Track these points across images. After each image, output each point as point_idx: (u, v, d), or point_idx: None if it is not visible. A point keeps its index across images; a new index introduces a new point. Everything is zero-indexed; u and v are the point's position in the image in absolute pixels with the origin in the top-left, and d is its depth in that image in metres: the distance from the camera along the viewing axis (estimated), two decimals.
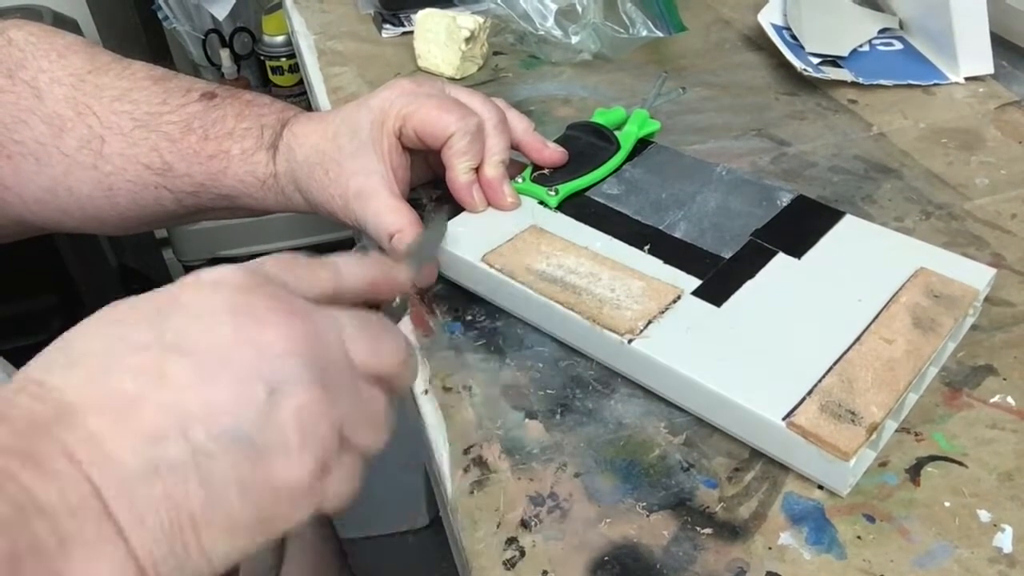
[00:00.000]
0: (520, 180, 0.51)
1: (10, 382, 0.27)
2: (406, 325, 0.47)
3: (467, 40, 0.68)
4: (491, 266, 0.46)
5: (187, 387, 0.26)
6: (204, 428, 0.26)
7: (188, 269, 1.39)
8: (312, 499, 0.28)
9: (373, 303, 0.36)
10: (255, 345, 0.27)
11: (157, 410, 0.26)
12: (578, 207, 0.50)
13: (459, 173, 0.49)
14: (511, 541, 0.36)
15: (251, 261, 0.31)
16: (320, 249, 1.44)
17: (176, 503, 0.26)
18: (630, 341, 0.41)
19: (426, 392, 0.43)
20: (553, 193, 0.50)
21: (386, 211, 0.48)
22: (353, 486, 0.30)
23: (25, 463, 0.24)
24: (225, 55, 1.32)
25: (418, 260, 0.42)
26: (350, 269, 0.34)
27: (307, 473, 0.28)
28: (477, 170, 0.49)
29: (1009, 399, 0.41)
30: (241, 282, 0.29)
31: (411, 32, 0.72)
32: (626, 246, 0.47)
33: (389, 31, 0.77)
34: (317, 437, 0.28)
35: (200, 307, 0.28)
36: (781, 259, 0.46)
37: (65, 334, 0.28)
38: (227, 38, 1.33)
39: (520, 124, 0.52)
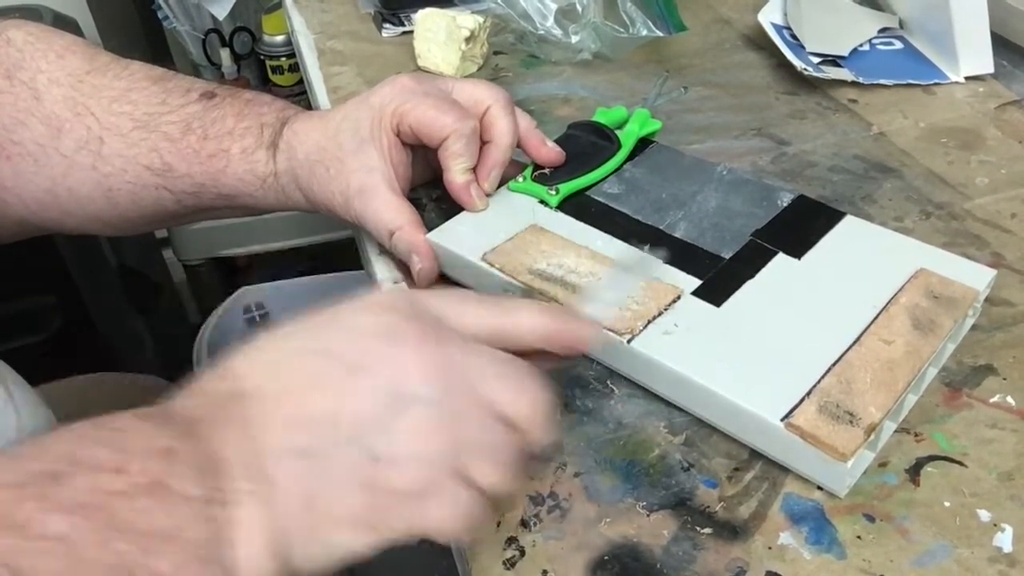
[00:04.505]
0: (520, 179, 0.51)
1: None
2: None
3: (467, 40, 0.68)
4: (491, 265, 0.46)
5: (327, 389, 0.31)
6: (332, 427, 0.30)
7: (188, 269, 1.39)
8: (414, 512, 0.30)
9: (552, 356, 0.35)
10: (392, 363, 0.31)
11: (299, 404, 0.31)
12: (578, 206, 0.50)
13: (456, 174, 0.49)
14: (511, 541, 0.36)
15: (423, 293, 0.34)
16: (319, 248, 1.44)
17: (301, 486, 0.30)
18: (629, 341, 0.41)
19: None
20: (553, 192, 0.50)
21: (386, 208, 0.48)
22: (461, 518, 0.31)
23: (212, 427, 0.30)
24: (225, 55, 1.32)
25: (602, 306, 0.39)
26: (521, 315, 0.34)
27: (411, 483, 0.30)
28: (475, 169, 0.49)
29: (1009, 399, 0.41)
30: (400, 307, 0.32)
31: (411, 32, 0.72)
32: (626, 246, 0.47)
33: (389, 30, 0.77)
34: (426, 453, 0.30)
35: (356, 323, 0.32)
36: (781, 259, 0.46)
37: (260, 336, 0.34)
38: (227, 38, 1.33)
39: (522, 120, 0.51)
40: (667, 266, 0.45)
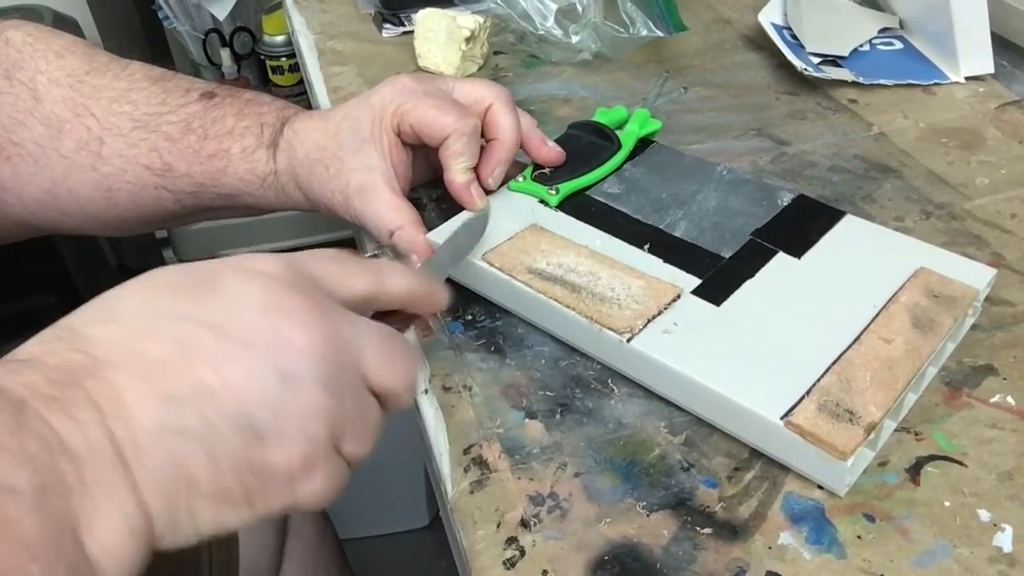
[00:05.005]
0: (521, 179, 0.51)
1: (50, 329, 0.29)
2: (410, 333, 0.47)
3: (467, 40, 0.68)
4: (491, 265, 0.46)
5: (208, 363, 0.28)
6: (216, 404, 0.28)
7: None
8: (292, 489, 0.30)
9: (407, 315, 0.38)
10: (278, 337, 0.29)
11: (177, 378, 0.28)
12: (578, 206, 0.50)
13: (457, 173, 0.49)
14: (511, 541, 0.36)
15: (296, 253, 0.33)
16: (319, 248, 1.44)
17: (179, 466, 0.28)
18: (629, 340, 0.41)
19: (426, 392, 0.43)
20: (554, 192, 0.50)
21: (386, 208, 0.48)
22: (332, 491, 0.31)
23: (55, 408, 0.27)
24: (225, 55, 1.32)
25: (439, 268, 0.42)
26: (393, 279, 0.35)
27: (293, 463, 0.29)
28: (476, 168, 0.49)
29: (1009, 399, 0.41)
30: (280, 274, 0.31)
31: (411, 32, 0.72)
32: (626, 245, 0.47)
33: (389, 31, 0.77)
34: (311, 433, 0.30)
35: (237, 292, 0.30)
36: (781, 259, 0.46)
37: (109, 291, 0.30)
38: (227, 38, 1.33)
39: (523, 120, 0.52)
40: (667, 265, 0.46)
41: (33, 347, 0.28)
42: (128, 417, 0.27)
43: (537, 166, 0.52)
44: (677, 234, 0.48)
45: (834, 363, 0.39)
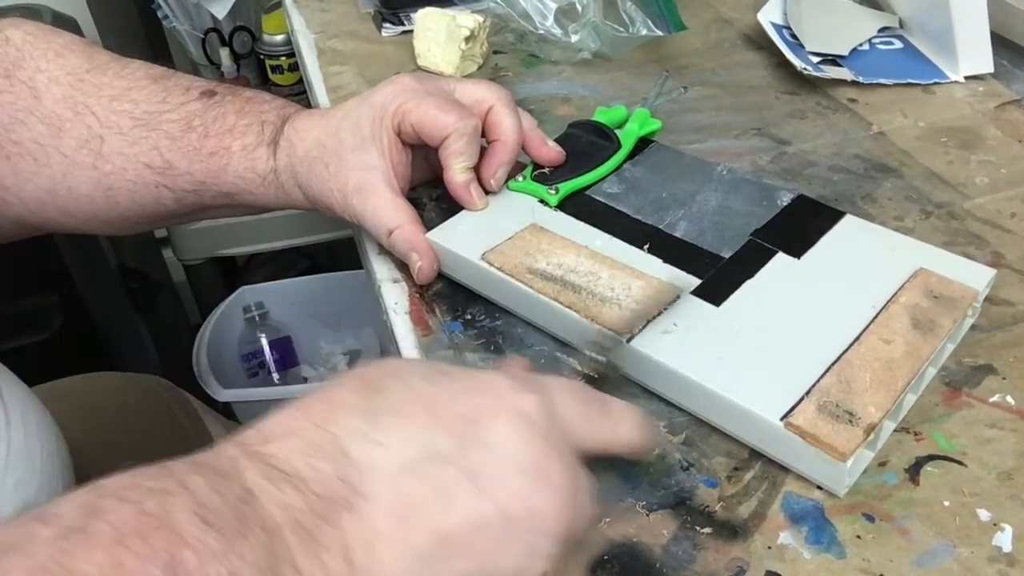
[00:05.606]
0: (520, 179, 0.51)
1: (303, 415, 0.29)
2: (406, 323, 0.47)
3: (467, 39, 0.68)
4: (491, 264, 0.46)
5: (464, 520, 0.28)
6: (460, 564, 0.28)
7: (188, 268, 1.39)
8: None
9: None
10: (536, 515, 0.29)
11: (433, 531, 0.28)
12: (578, 206, 0.50)
13: (456, 173, 0.49)
14: None
15: (551, 386, 0.32)
16: (319, 248, 1.44)
17: None
18: (629, 340, 0.41)
19: None
20: (553, 192, 0.50)
21: (385, 207, 0.48)
22: None
23: (308, 549, 0.26)
24: (225, 54, 1.32)
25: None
26: (621, 431, 0.34)
27: None
28: (477, 168, 0.49)
29: (1009, 398, 0.41)
30: (546, 431, 0.30)
31: (411, 31, 0.72)
32: (626, 245, 0.47)
33: (389, 30, 0.77)
34: None
35: (505, 448, 0.29)
36: (781, 259, 0.46)
37: (369, 380, 0.30)
38: (227, 37, 1.33)
39: (524, 119, 0.52)
40: (667, 265, 0.46)
41: (298, 460, 0.28)
42: (376, 572, 0.27)
43: (537, 165, 0.52)
44: (677, 234, 0.48)
45: (834, 364, 0.39)
